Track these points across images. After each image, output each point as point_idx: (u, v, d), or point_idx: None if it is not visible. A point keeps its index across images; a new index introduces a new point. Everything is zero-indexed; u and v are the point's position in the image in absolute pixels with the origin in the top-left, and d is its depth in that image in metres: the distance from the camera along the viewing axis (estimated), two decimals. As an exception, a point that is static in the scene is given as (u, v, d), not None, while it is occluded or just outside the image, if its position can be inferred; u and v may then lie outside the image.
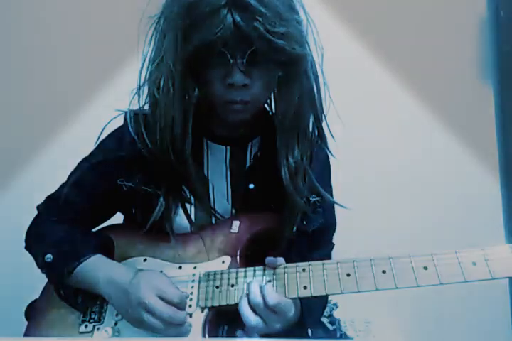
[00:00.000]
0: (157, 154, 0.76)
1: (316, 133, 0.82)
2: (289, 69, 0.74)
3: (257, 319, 0.70)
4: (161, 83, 0.72)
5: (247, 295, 0.72)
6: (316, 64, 0.78)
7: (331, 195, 0.94)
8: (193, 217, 0.83)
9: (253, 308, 0.71)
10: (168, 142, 0.74)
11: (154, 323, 0.71)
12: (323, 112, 0.80)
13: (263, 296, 0.71)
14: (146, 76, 0.75)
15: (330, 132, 0.83)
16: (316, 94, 0.78)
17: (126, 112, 0.81)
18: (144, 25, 0.74)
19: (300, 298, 0.74)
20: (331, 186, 0.94)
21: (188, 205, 0.82)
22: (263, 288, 0.72)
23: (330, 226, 0.93)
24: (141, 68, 0.76)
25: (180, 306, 0.74)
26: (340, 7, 1.53)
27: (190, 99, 0.75)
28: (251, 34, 0.66)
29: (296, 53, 0.70)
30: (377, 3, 1.56)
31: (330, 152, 0.87)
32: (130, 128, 0.78)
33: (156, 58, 0.73)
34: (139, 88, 0.76)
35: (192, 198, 0.82)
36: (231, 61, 0.69)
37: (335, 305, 1.19)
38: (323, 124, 0.82)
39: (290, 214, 0.81)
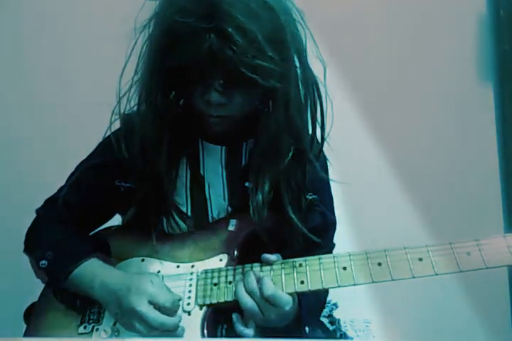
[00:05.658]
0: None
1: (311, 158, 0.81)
2: (267, 99, 0.75)
3: (253, 302, 0.71)
4: (143, 96, 0.73)
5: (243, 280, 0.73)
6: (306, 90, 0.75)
7: (330, 194, 0.94)
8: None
9: (249, 294, 0.72)
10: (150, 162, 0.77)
11: (145, 331, 0.71)
12: (313, 141, 0.80)
13: (260, 287, 0.71)
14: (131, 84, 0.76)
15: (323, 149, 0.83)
16: (299, 126, 0.76)
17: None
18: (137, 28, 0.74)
19: (298, 294, 0.74)
20: (330, 190, 0.94)
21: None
22: (261, 280, 0.72)
23: (329, 225, 0.92)
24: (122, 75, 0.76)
25: (172, 310, 0.73)
26: (339, 6, 1.53)
27: (169, 114, 0.76)
28: (224, 61, 0.65)
29: (270, 87, 0.69)
30: (377, 2, 1.56)
31: (330, 179, 0.88)
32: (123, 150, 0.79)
33: (137, 72, 0.74)
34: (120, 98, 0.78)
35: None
36: (208, 80, 0.70)
37: (335, 305, 1.19)
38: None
39: (291, 236, 0.81)
